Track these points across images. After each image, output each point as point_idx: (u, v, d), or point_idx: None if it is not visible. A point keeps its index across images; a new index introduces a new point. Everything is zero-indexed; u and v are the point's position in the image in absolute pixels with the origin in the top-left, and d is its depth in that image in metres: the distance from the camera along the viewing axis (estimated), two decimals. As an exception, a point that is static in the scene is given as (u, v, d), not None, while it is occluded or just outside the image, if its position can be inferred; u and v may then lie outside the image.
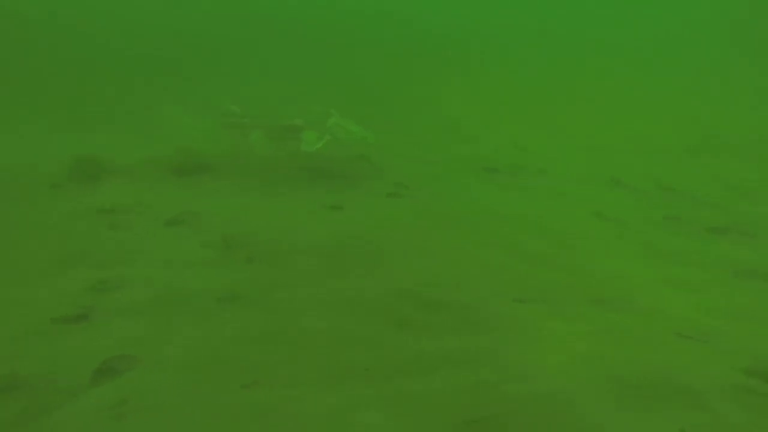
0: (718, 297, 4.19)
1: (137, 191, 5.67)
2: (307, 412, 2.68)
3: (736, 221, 5.42)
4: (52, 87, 8.91)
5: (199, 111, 7.21)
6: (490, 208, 5.66)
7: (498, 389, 2.96)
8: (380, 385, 2.96)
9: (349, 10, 16.62)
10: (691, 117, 9.32)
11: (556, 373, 3.22)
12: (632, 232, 5.23)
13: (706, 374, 3.29)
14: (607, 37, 14.98)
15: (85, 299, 3.70)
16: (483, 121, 9.08)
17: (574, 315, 3.87)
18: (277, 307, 3.84)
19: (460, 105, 10.06)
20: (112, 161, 6.21)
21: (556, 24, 16.54)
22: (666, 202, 5.96)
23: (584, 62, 13.51)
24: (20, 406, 2.70)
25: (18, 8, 12.20)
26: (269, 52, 13.54)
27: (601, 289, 4.22)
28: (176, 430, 2.54)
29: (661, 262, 4.71)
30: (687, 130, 8.63)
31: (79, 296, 3.74)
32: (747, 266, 4.64)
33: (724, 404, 3.06)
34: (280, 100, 8.41)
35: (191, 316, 3.57)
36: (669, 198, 6.06)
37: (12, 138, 6.97)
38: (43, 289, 3.83)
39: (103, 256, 4.34)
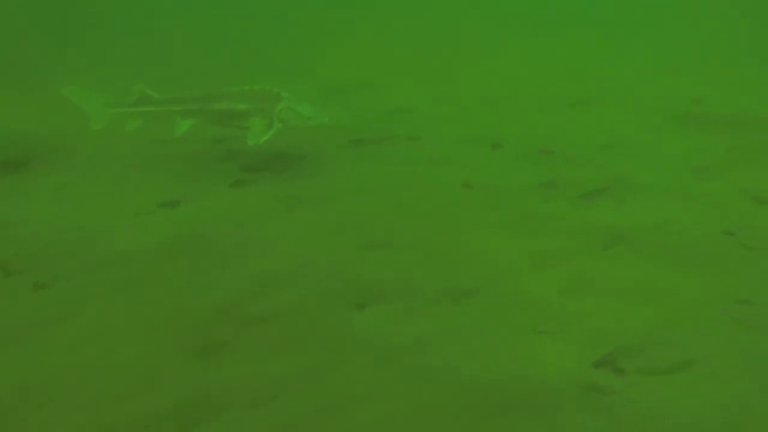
0: (584, 272, 3.81)
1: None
2: None
3: (610, 183, 5.08)
4: None
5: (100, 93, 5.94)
6: (349, 185, 5.06)
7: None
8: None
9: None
10: (584, 72, 9.01)
11: (394, 398, 2.72)
12: (502, 203, 4.79)
13: (555, 374, 2.88)
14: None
15: None
16: (366, 84, 8.39)
17: (423, 313, 3.37)
18: (55, 345, 3.11)
19: (342, 69, 9.32)
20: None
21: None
22: (544, 165, 5.55)
23: (482, 20, 13.02)
24: None
25: None
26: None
27: (459, 275, 3.73)
28: None
29: (528, 235, 4.29)
30: (578, 85, 8.31)
31: None
32: (616, 233, 4.28)
33: (566, 411, 2.66)
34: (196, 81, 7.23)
35: None
36: (547, 160, 5.66)
37: None
38: None
39: None
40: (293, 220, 4.48)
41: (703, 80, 7.97)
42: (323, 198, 4.83)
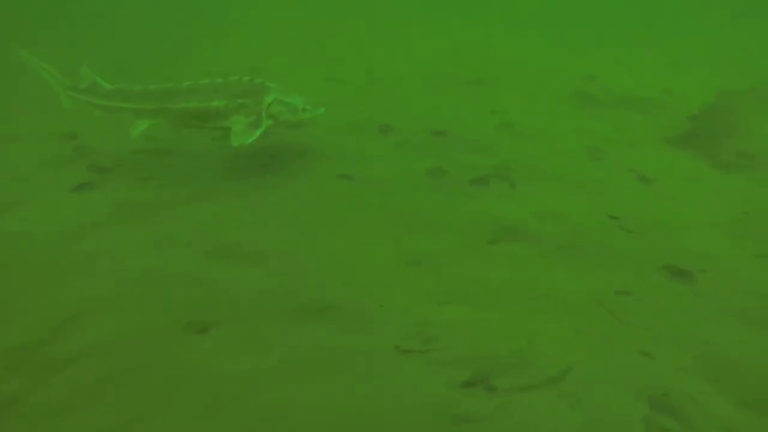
0: (464, 276, 3.47)
1: None
2: None
3: (501, 168, 4.80)
4: None
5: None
6: (207, 186, 4.46)
7: None
8: None
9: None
10: (484, 52, 8.75)
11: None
12: (384, 196, 4.37)
13: (417, 403, 2.51)
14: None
15: None
16: (253, 68, 7.69)
17: (272, 337, 2.89)
18: None
19: (229, 56, 8.56)
20: None
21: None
22: (434, 150, 5.19)
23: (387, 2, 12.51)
24: None
25: None
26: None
27: (320, 288, 3.27)
28: None
29: (408, 233, 3.90)
30: (476, 65, 8.02)
31: None
32: (505, 224, 4.00)
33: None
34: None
35: None
36: (439, 144, 5.31)
37: None
38: None
39: None
40: (135, 230, 3.84)
41: (597, 60, 7.93)
42: (175, 202, 4.20)
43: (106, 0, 12.23)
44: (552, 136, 5.67)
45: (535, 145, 5.45)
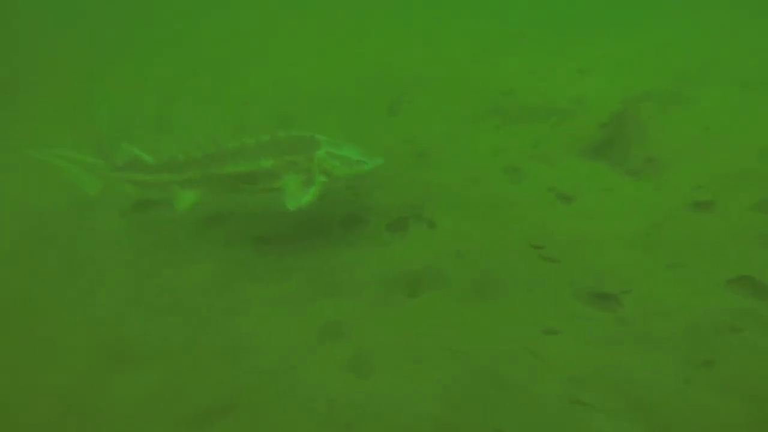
0: (384, 338, 3.26)
1: None
2: None
3: (421, 205, 4.64)
4: None
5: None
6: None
7: None
8: None
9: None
10: (393, 71, 8.67)
11: None
12: (295, 259, 4.13)
13: None
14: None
15: None
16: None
17: None
18: None
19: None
20: None
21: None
22: (349, 195, 4.99)
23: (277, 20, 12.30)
24: None
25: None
26: None
27: (218, 389, 2.98)
28: None
29: (311, 300, 3.67)
30: (389, 86, 7.92)
31: None
32: (425, 271, 3.84)
33: None
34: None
35: None
36: (353, 188, 5.10)
37: None
38: None
39: None
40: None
41: (512, 72, 7.95)
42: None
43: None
44: (470, 162, 5.56)
45: (453, 174, 5.32)
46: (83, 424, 2.69)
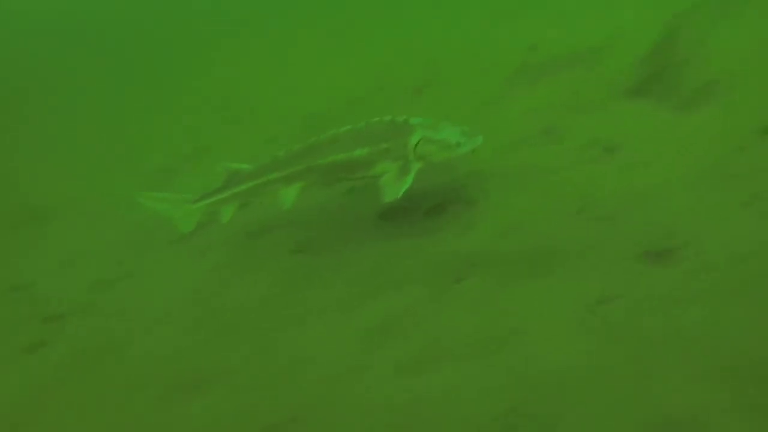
0: (437, 329, 3.19)
1: None
2: None
3: (456, 187, 4.50)
4: None
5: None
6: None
7: None
8: None
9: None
10: (426, 47, 8.43)
11: None
12: (339, 261, 4.12)
13: None
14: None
15: None
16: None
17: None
18: None
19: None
20: None
21: None
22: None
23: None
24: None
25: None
26: None
27: (279, 407, 3.02)
28: None
29: (359, 299, 3.64)
30: (418, 65, 7.71)
31: None
32: (468, 255, 3.70)
33: None
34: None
35: None
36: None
37: None
38: None
39: None
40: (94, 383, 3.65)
41: (535, 25, 7.52)
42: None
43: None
44: (505, 128, 5.32)
45: (489, 146, 5.10)
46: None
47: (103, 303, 4.74)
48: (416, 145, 3.86)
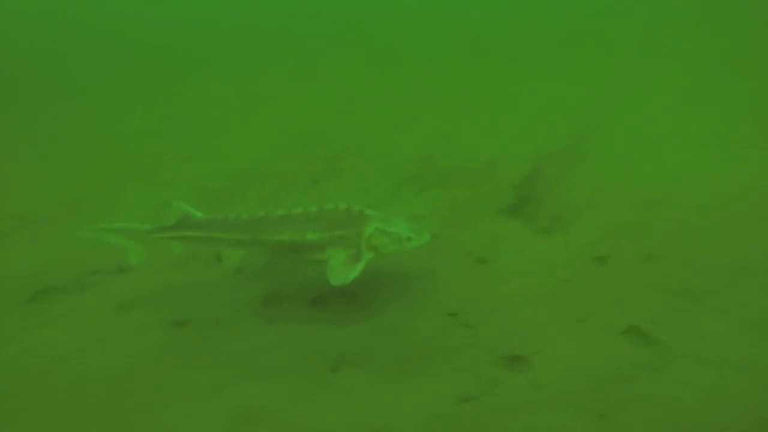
0: (302, 421, 3.27)
1: None
2: None
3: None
4: None
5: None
6: None
7: None
8: None
9: None
10: (326, 138, 8.94)
11: None
12: (215, 342, 4.10)
13: None
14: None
15: None
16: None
17: None
18: None
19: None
20: None
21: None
22: (272, 271, 5.03)
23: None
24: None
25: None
26: None
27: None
28: None
29: (229, 385, 3.65)
30: (315, 155, 8.15)
31: None
32: (346, 347, 3.88)
33: None
34: None
35: None
36: (277, 264, 5.16)
37: None
38: None
39: None
40: None
41: (431, 136, 8.37)
42: None
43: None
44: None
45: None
46: None
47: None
48: (370, 236, 4.02)
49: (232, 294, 4.75)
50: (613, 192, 5.69)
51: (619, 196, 5.58)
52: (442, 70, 12.34)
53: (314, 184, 7.10)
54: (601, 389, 3.33)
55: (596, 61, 11.28)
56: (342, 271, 3.94)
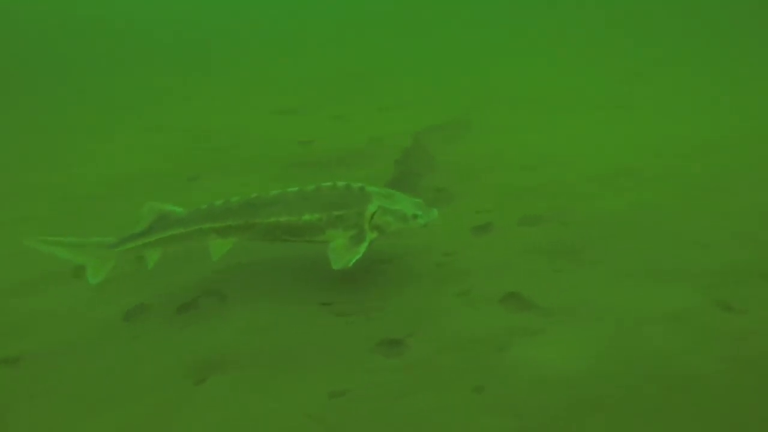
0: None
1: None
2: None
3: (212, 280, 4.37)
4: None
5: None
6: None
7: None
8: None
9: None
10: (200, 135, 8.40)
11: None
12: (64, 369, 3.61)
13: None
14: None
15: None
16: None
17: None
18: None
19: None
20: None
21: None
22: (134, 282, 4.55)
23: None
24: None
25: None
26: None
27: None
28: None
29: (79, 415, 3.21)
30: (191, 156, 7.61)
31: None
32: (214, 353, 3.54)
33: None
34: None
35: None
36: (139, 275, 4.67)
37: None
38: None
39: None
40: None
41: (316, 121, 8.08)
42: None
43: None
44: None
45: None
46: None
47: None
48: (373, 215, 3.72)
49: (89, 314, 4.22)
50: (496, 159, 5.68)
51: (501, 163, 5.57)
52: (323, 58, 12.06)
53: (191, 181, 6.59)
54: (478, 361, 3.23)
55: (477, 37, 11.40)
56: (343, 253, 3.66)
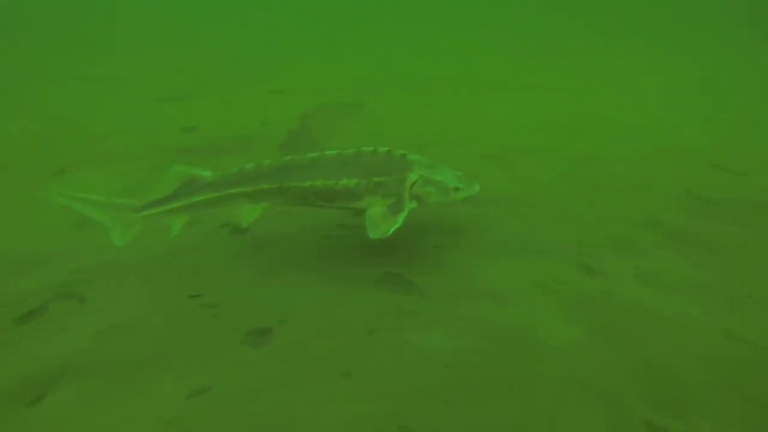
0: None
1: None
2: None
3: (73, 281, 3.93)
4: None
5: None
6: None
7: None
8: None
9: None
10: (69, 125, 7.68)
11: None
12: None
13: None
14: None
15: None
16: None
17: None
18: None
19: None
20: None
21: None
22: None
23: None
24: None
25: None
26: None
27: None
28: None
29: None
30: (61, 145, 6.92)
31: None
32: (60, 366, 3.15)
33: None
34: None
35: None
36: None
37: None
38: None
39: None
40: None
41: (202, 107, 7.63)
42: None
43: None
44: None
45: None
46: None
47: None
48: (414, 184, 3.51)
49: None
50: (387, 138, 5.57)
51: (392, 142, 5.45)
52: (216, 45, 11.49)
53: (59, 174, 5.98)
54: (346, 347, 3.10)
55: (374, 25, 11.27)
56: (381, 222, 3.45)
